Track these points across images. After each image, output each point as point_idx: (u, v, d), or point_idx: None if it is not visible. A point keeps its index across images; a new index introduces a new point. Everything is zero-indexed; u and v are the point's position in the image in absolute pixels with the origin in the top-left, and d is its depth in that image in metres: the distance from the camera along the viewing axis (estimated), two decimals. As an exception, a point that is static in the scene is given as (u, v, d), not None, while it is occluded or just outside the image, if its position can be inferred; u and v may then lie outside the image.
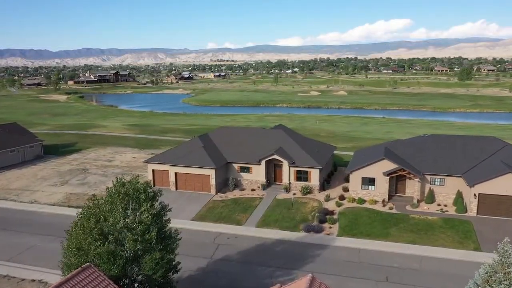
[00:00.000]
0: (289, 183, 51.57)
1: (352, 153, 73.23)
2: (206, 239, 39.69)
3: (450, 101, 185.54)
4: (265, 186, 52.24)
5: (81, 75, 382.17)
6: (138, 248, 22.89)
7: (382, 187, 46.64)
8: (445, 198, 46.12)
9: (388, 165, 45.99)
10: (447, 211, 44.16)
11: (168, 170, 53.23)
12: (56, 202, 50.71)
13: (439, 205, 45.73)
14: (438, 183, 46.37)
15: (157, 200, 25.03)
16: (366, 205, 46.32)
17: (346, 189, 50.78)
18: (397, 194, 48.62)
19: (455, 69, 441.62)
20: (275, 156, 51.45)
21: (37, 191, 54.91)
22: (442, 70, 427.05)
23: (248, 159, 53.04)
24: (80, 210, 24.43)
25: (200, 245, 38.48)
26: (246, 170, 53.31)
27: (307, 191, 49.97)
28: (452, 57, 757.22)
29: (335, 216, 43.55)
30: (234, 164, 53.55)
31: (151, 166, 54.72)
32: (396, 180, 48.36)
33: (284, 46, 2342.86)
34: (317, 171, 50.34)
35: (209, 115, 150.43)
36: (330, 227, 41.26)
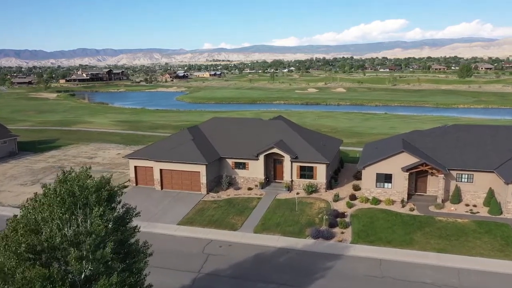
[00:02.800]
0: (291, 180, 44.93)
1: (358, 149, 66.98)
2: (193, 248, 32.94)
3: (452, 98, 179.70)
4: (263, 185, 45.59)
5: (73, 73, 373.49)
6: (89, 268, 16.16)
7: (400, 185, 40.06)
8: (473, 197, 39.60)
9: (408, 159, 39.42)
10: (478, 212, 37.61)
11: (152, 167, 46.44)
12: (23, 204, 43.67)
13: (467, 205, 39.19)
14: (466, 180, 39.82)
15: (119, 202, 18.31)
16: (382, 205, 39.74)
17: (357, 188, 44.21)
18: (417, 193, 42.04)
19: (452, 67, 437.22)
20: (275, 150, 44.78)
21: (2, 191, 47.97)
22: (439, 69, 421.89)
23: (244, 153, 46.36)
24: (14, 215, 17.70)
25: (186, 255, 31.73)
26: (241, 166, 46.63)
27: (312, 189, 43.35)
28: (447, 56, 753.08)
29: (347, 219, 36.94)
30: (228, 160, 46.84)
31: (133, 162, 47.88)
32: (416, 177, 41.81)
33: (280, 46, 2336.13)
34: (324, 166, 43.69)
35: (202, 111, 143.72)
36: (342, 232, 34.63)
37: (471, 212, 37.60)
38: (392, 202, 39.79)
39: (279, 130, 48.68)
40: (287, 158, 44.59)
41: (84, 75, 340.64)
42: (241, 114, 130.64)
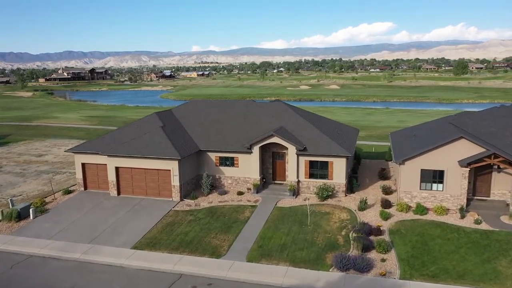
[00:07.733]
0: (298, 181, 32.74)
1: (372, 143, 55.96)
2: (151, 291, 20.49)
3: (453, 93, 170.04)
4: (259, 187, 33.34)
5: (53, 73, 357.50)
6: None
7: (457, 186, 28.13)
8: (559, 203, 27.89)
9: (468, 148, 27.55)
10: None
11: (106, 164, 33.84)
12: None
13: (552, 214, 27.45)
14: (549, 178, 28.12)
15: None
16: (431, 216, 27.77)
17: (387, 191, 32.26)
18: (477, 197, 30.12)
19: (443, 67, 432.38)
20: (274, 139, 32.55)
21: None
22: (430, 68, 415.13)
23: (232, 145, 34.09)
24: None
25: (136, 305, 19.28)
26: (229, 162, 34.33)
27: (327, 194, 31.21)
28: (435, 58, 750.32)
29: (385, 238, 24.88)
30: (210, 154, 34.50)
31: (80, 158, 35.20)
32: (475, 175, 29.92)
33: (269, 48, 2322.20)
34: (343, 161, 31.57)
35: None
36: (383, 260, 22.52)
37: None
38: (446, 210, 27.83)
39: (278, 114, 36.52)
40: (291, 151, 32.39)
41: (65, 74, 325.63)
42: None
